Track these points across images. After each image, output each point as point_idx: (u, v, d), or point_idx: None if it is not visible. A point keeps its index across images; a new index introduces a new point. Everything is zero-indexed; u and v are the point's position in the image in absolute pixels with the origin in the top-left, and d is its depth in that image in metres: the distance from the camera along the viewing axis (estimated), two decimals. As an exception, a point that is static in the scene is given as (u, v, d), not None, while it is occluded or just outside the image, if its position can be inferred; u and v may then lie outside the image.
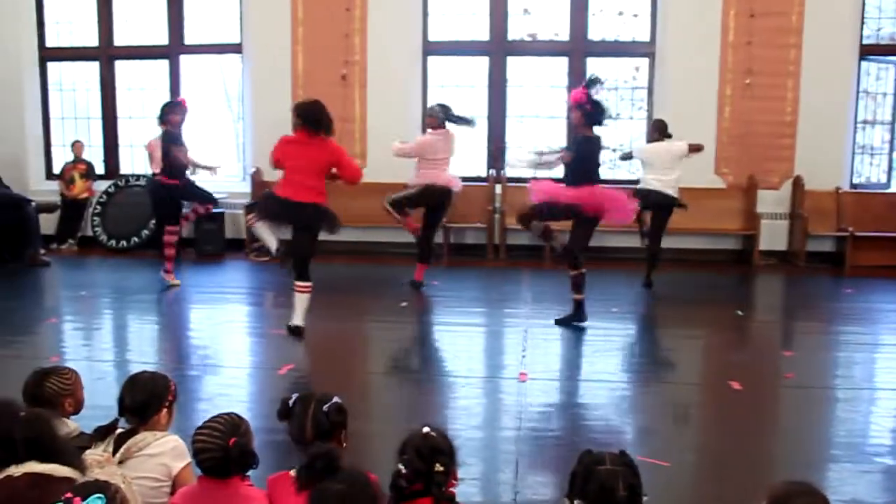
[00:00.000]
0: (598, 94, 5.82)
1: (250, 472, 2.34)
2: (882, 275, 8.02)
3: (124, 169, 9.75)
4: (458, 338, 5.98)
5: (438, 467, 2.17)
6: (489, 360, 5.44)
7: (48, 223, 9.04)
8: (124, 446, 2.45)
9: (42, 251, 8.43)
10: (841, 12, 8.39)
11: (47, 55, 9.71)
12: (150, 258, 8.67)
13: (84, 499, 1.74)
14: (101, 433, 2.52)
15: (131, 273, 8.11)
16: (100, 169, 9.65)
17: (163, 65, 9.51)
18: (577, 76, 8.89)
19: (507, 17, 8.96)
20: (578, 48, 8.89)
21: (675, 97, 8.53)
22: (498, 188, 8.70)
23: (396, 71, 8.80)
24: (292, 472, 2.21)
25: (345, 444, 2.43)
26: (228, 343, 5.77)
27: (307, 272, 5.48)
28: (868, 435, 4.13)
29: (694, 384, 5.09)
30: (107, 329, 6.29)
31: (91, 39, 9.59)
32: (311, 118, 5.39)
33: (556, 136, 9.04)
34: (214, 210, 8.83)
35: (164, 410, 2.61)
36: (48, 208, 9.01)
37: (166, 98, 9.46)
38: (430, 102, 8.78)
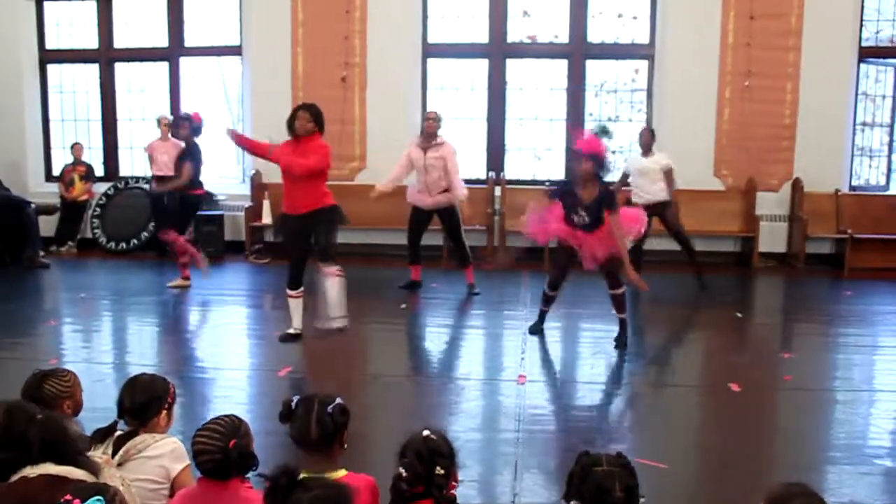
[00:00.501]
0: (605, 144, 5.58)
1: (250, 474, 2.34)
2: (881, 277, 8.02)
3: (124, 171, 9.76)
4: (458, 340, 5.98)
5: (439, 470, 2.16)
6: (488, 362, 5.43)
7: (48, 225, 9.06)
8: (123, 448, 2.44)
9: (41, 253, 8.44)
10: (840, 14, 8.40)
11: (47, 57, 9.73)
12: (149, 260, 8.68)
13: (83, 501, 1.74)
14: (101, 435, 2.51)
15: (131, 275, 8.11)
16: (99, 171, 9.66)
17: (163, 67, 9.52)
18: (577, 78, 8.92)
19: (506, 19, 8.96)
20: (578, 50, 8.89)
21: (674, 99, 8.55)
22: (497, 190, 8.70)
23: (396, 73, 8.80)
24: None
25: (345, 446, 2.43)
26: (228, 345, 5.77)
27: (332, 258, 5.49)
28: (867, 437, 4.13)
29: (693, 386, 5.09)
30: (106, 331, 6.28)
31: (91, 41, 9.60)
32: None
33: (556, 137, 9.05)
34: (214, 212, 8.86)
35: (164, 412, 2.61)
36: (48, 210, 9.02)
37: (166, 100, 9.51)
38: (430, 105, 8.81)
